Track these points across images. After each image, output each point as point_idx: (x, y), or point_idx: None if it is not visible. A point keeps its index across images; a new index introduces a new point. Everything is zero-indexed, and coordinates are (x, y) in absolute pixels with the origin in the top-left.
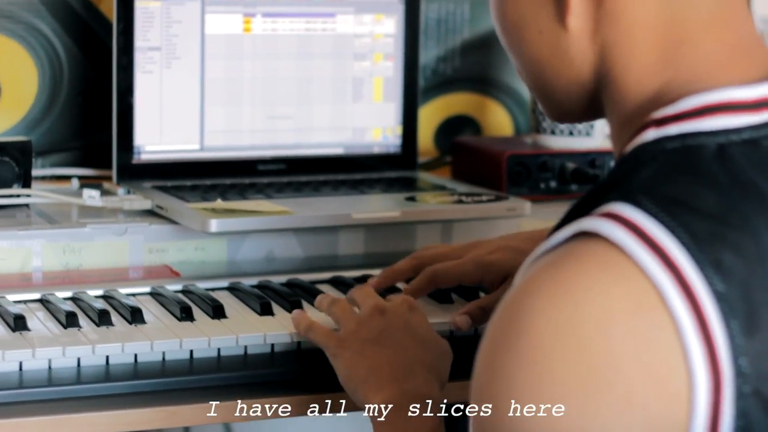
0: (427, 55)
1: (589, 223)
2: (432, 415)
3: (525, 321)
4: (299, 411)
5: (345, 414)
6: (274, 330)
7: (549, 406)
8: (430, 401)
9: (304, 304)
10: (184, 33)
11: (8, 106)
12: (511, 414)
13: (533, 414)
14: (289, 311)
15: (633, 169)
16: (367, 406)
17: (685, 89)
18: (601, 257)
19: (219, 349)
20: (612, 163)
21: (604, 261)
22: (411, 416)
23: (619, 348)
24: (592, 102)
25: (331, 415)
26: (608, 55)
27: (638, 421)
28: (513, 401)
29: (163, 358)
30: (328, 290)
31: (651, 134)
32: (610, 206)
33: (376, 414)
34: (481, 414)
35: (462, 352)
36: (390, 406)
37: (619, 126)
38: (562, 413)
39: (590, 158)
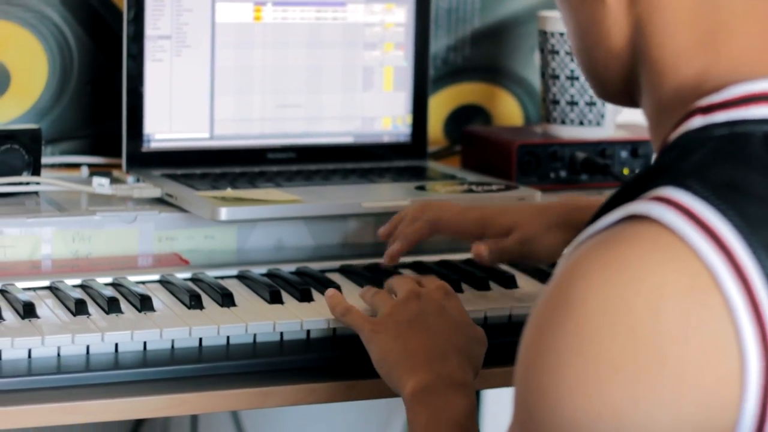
0: (438, 45)
1: (639, 206)
2: (465, 399)
3: (575, 299)
4: (308, 399)
5: (356, 402)
6: (284, 318)
7: (598, 384)
8: (463, 385)
9: (313, 292)
10: (194, 21)
11: (18, 94)
12: (558, 393)
13: (582, 393)
14: (299, 300)
15: (681, 155)
16: (400, 388)
17: (726, 79)
18: (653, 239)
19: (228, 337)
20: (623, 154)
21: (656, 242)
22: (445, 399)
23: (672, 328)
24: (630, 80)
25: (340, 403)
26: (643, 30)
27: (689, 402)
28: (562, 379)
29: (172, 346)
30: (338, 279)
31: (697, 121)
32: (660, 191)
33: (409, 397)
34: (526, 395)
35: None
36: (424, 388)
37: (657, 113)
38: (611, 392)
39: (600, 148)
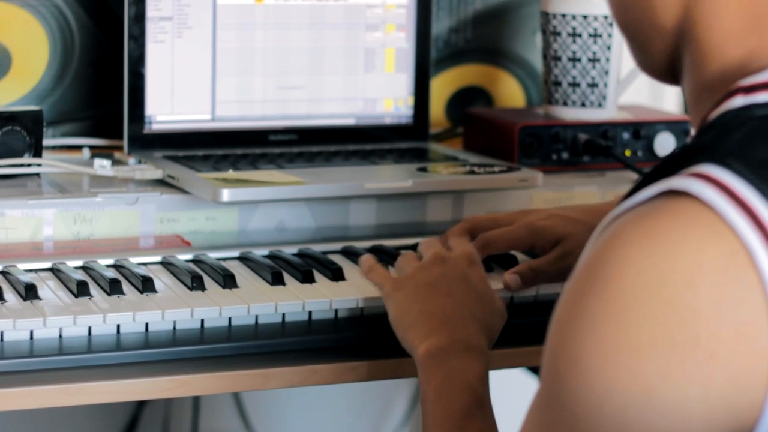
0: (440, 26)
1: (679, 182)
2: (479, 363)
3: (613, 270)
4: (310, 380)
5: (358, 383)
6: (286, 300)
7: (630, 356)
8: (477, 350)
9: (315, 273)
10: (195, 3)
11: (19, 75)
12: (589, 362)
13: (613, 364)
14: (301, 281)
15: (721, 134)
16: (414, 349)
17: None
18: (691, 214)
19: (230, 319)
20: (625, 135)
21: (695, 218)
22: (458, 363)
23: (707, 304)
24: (673, 59)
25: (342, 384)
26: (692, 11)
27: (720, 377)
28: (593, 349)
29: (174, 328)
30: (340, 260)
31: (739, 101)
32: (699, 167)
33: (423, 358)
34: (557, 363)
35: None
36: (438, 350)
37: (698, 92)
38: (642, 364)
39: (602, 129)
